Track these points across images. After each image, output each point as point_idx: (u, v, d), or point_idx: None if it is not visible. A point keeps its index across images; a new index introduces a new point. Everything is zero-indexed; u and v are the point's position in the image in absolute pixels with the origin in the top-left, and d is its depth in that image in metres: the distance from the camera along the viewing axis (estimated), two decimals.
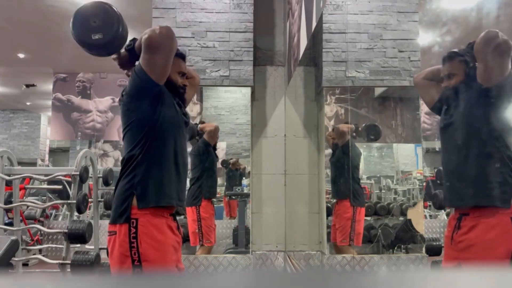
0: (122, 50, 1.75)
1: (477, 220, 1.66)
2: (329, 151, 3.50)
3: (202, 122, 3.79)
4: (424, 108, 5.52)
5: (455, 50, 1.80)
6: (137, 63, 1.65)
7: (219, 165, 4.21)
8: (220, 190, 4.34)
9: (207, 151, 3.66)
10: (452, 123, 1.77)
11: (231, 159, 4.38)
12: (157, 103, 1.64)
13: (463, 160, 1.72)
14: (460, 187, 1.76)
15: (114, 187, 4.10)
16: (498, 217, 1.63)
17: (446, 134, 1.83)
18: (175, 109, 1.71)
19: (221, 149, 4.32)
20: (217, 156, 3.90)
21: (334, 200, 3.51)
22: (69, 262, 3.18)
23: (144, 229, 1.56)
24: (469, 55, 1.72)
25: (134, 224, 1.55)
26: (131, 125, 1.64)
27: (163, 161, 1.65)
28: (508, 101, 1.67)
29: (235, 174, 4.43)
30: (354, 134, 3.52)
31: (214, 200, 3.86)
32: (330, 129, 3.54)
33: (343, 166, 3.37)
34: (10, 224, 4.01)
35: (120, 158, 7.87)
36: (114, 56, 1.76)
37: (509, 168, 1.65)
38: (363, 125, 3.55)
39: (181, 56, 1.78)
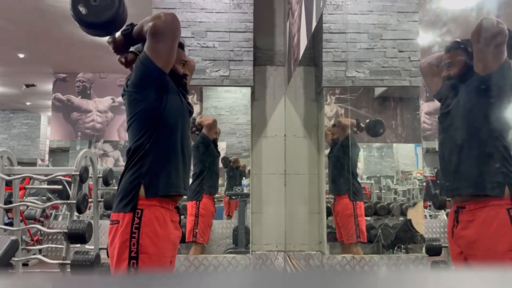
0: (118, 34, 1.71)
1: (473, 214, 1.66)
2: (328, 150, 3.50)
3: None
4: (424, 108, 5.53)
5: (457, 39, 1.80)
6: (132, 50, 1.63)
7: (220, 164, 4.21)
8: (221, 190, 4.33)
9: (206, 146, 3.67)
10: (449, 112, 1.78)
11: (231, 157, 4.39)
12: (163, 93, 1.63)
13: (457, 149, 1.72)
14: (454, 177, 1.75)
15: (114, 187, 4.11)
16: (494, 209, 1.61)
17: (443, 123, 1.83)
18: (180, 98, 1.72)
19: (221, 149, 4.32)
20: (219, 153, 3.90)
21: (333, 197, 3.51)
22: (69, 262, 3.19)
23: (147, 221, 1.55)
24: (470, 45, 1.72)
25: (139, 215, 1.55)
26: (137, 115, 1.63)
27: (170, 150, 1.65)
28: (502, 90, 1.66)
29: (235, 173, 4.43)
30: (355, 129, 3.51)
31: (216, 197, 3.85)
32: (330, 125, 3.53)
33: (342, 161, 3.36)
34: (10, 224, 4.01)
35: (120, 158, 7.87)
36: (109, 39, 1.71)
37: (503, 158, 1.63)
38: (367, 121, 3.53)
39: (180, 46, 1.77)
